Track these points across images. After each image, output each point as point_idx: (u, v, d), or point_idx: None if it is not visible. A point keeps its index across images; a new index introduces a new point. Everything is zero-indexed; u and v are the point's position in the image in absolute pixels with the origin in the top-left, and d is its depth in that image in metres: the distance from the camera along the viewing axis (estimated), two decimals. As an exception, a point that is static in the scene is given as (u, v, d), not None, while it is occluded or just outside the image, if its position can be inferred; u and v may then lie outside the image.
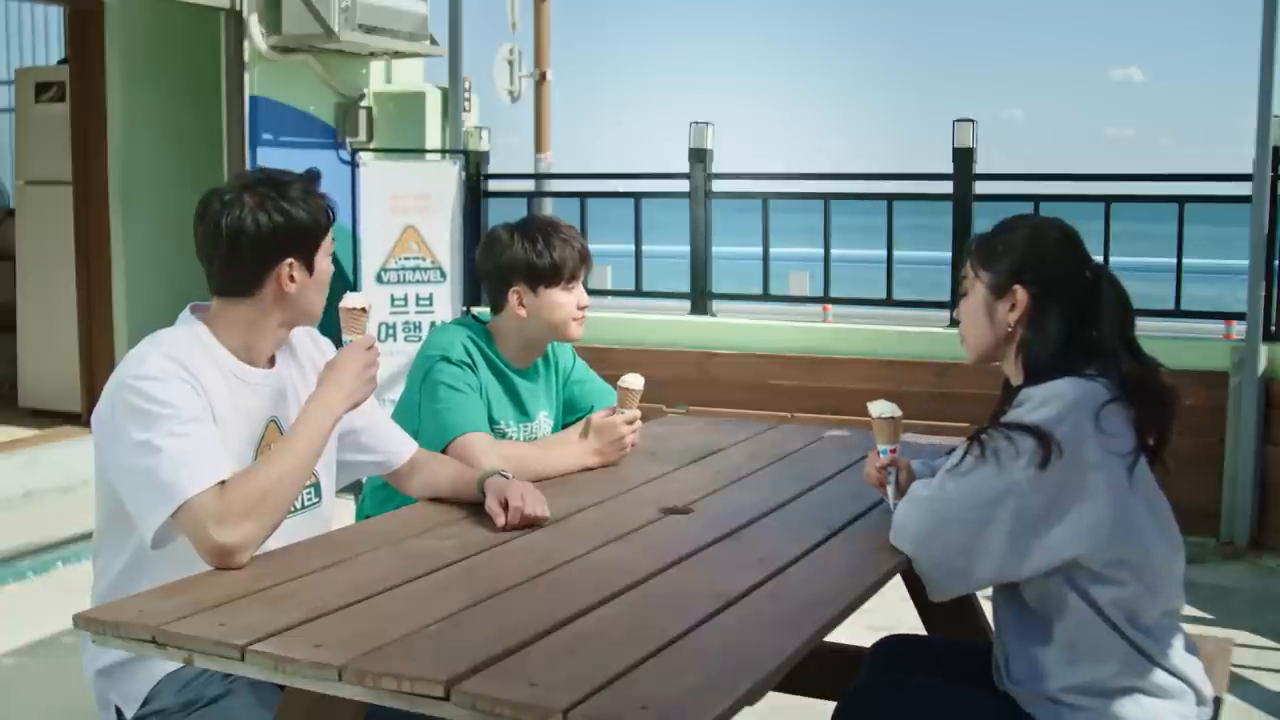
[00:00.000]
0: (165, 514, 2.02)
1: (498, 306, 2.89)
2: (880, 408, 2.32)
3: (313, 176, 2.29)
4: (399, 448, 2.54)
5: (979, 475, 2.04)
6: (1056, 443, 1.99)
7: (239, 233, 2.18)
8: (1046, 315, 2.14)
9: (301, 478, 2.17)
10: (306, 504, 2.34)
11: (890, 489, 2.30)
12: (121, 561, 2.20)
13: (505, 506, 2.31)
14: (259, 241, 2.19)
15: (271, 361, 2.32)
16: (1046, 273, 2.16)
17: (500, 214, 6.76)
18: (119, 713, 2.22)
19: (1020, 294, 2.16)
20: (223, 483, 2.05)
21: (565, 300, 2.85)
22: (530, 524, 2.30)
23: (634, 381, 2.82)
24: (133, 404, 2.08)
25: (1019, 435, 2.01)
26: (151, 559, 2.12)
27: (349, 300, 2.35)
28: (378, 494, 2.76)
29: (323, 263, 2.29)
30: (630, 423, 2.82)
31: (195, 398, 2.12)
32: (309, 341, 2.44)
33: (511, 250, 2.84)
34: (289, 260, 2.22)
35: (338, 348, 2.37)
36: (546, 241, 2.83)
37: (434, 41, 6.77)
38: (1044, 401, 2.04)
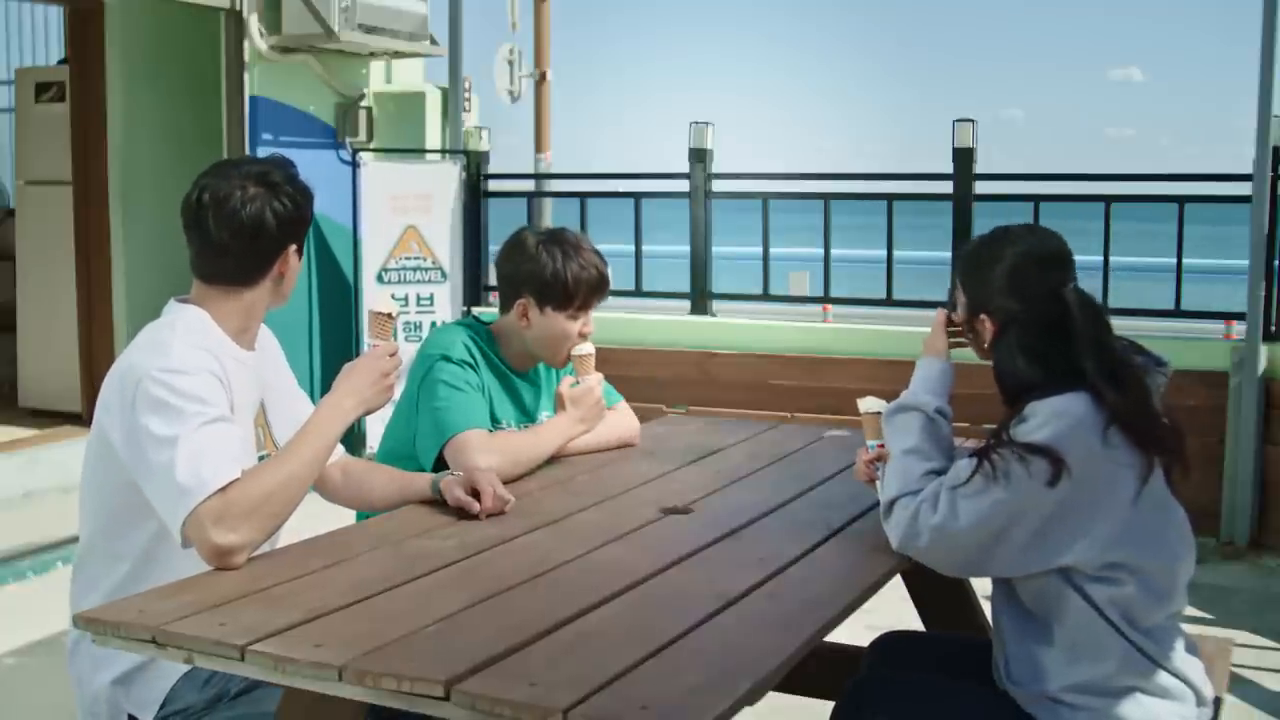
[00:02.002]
0: (185, 515, 2.00)
1: (505, 309, 2.88)
2: (868, 403, 2.34)
3: (288, 162, 2.32)
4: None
5: (991, 499, 2.02)
6: (1064, 459, 1.98)
7: (261, 224, 2.21)
8: (1006, 340, 2.16)
9: (306, 480, 2.16)
10: None
11: (880, 484, 2.31)
12: (124, 568, 2.17)
13: (473, 494, 2.34)
14: (275, 231, 2.23)
15: (253, 343, 2.34)
16: (1000, 302, 2.18)
17: (500, 214, 6.76)
18: None
19: (987, 323, 2.20)
20: (231, 483, 2.03)
21: (567, 327, 2.81)
22: (501, 508, 2.34)
23: (586, 348, 2.85)
24: (157, 396, 2.06)
25: (1029, 456, 2.00)
26: (159, 567, 2.11)
27: (378, 304, 2.37)
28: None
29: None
30: (597, 385, 2.87)
31: (221, 391, 2.13)
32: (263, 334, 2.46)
33: (531, 262, 2.80)
34: (293, 246, 2.28)
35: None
36: (566, 263, 2.78)
37: (434, 41, 6.76)
38: (1050, 419, 2.03)
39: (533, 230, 2.90)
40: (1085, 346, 2.10)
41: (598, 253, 2.86)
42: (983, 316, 2.20)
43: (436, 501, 2.45)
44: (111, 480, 2.15)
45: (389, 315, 2.35)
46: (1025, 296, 2.16)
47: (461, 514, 2.36)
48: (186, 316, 2.23)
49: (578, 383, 2.85)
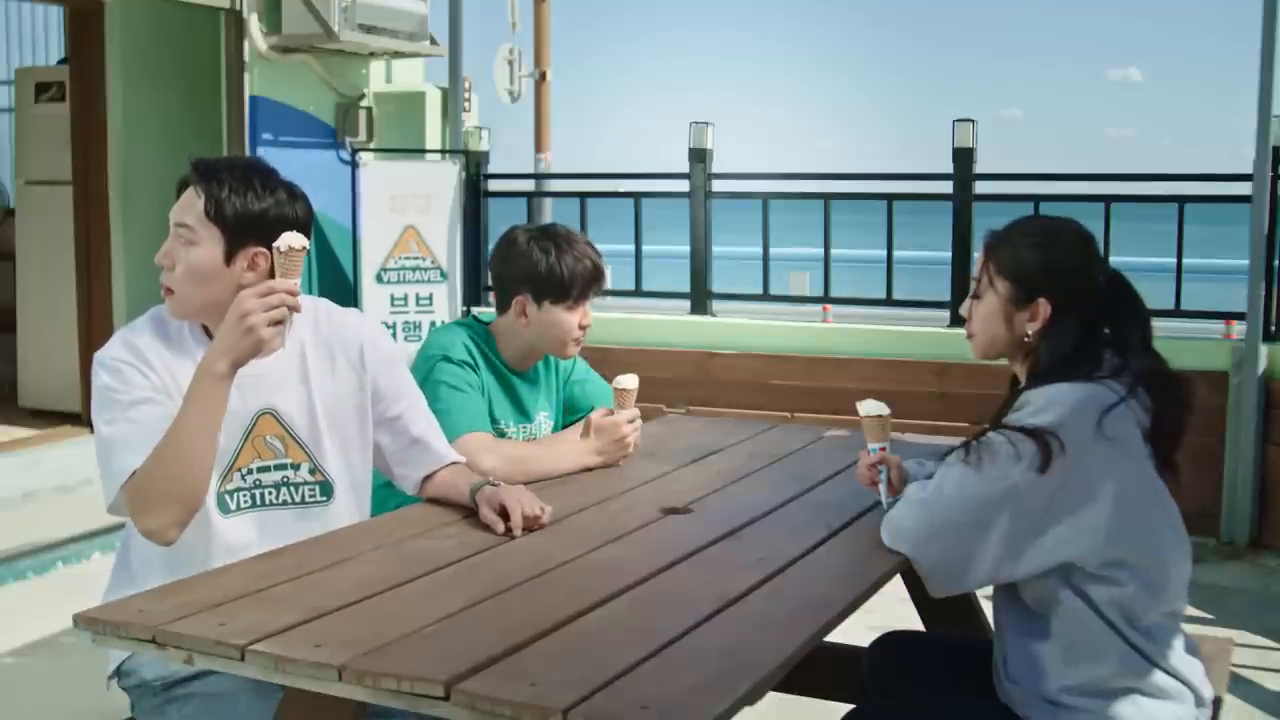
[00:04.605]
0: (109, 495, 2.12)
1: (503, 309, 2.88)
2: (869, 406, 2.33)
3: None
4: (426, 470, 2.45)
5: (977, 478, 2.04)
6: (1057, 446, 1.99)
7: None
8: (1065, 324, 2.14)
9: (195, 453, 2.07)
10: (309, 500, 2.30)
11: (882, 486, 2.31)
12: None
13: (503, 514, 2.26)
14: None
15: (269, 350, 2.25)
16: (1067, 283, 2.15)
17: (500, 214, 6.76)
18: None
19: (1043, 306, 2.15)
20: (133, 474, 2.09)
21: (567, 319, 2.82)
22: (531, 526, 2.27)
23: (629, 381, 2.81)
24: (94, 384, 2.17)
25: (1019, 439, 2.01)
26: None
27: (280, 240, 2.10)
28: (378, 494, 2.75)
29: None
30: (630, 422, 2.82)
31: (141, 380, 2.15)
32: (349, 329, 2.36)
33: (524, 259, 2.81)
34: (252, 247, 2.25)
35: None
36: (560, 257, 2.79)
37: (434, 41, 6.76)
38: (1045, 406, 2.04)
39: (523, 228, 2.91)
40: (1130, 324, 2.14)
41: (590, 244, 2.87)
42: (1039, 300, 2.15)
43: (436, 501, 2.45)
44: None
45: (278, 249, 2.09)
46: (1078, 277, 2.16)
47: (462, 514, 2.36)
48: (160, 317, 2.26)
49: (620, 411, 2.81)
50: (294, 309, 2.11)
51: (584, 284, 2.82)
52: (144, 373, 2.15)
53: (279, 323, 2.09)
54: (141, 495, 2.07)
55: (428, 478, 2.46)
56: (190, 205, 2.22)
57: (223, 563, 2.12)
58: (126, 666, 2.20)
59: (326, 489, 2.32)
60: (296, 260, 2.10)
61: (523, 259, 2.81)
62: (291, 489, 2.28)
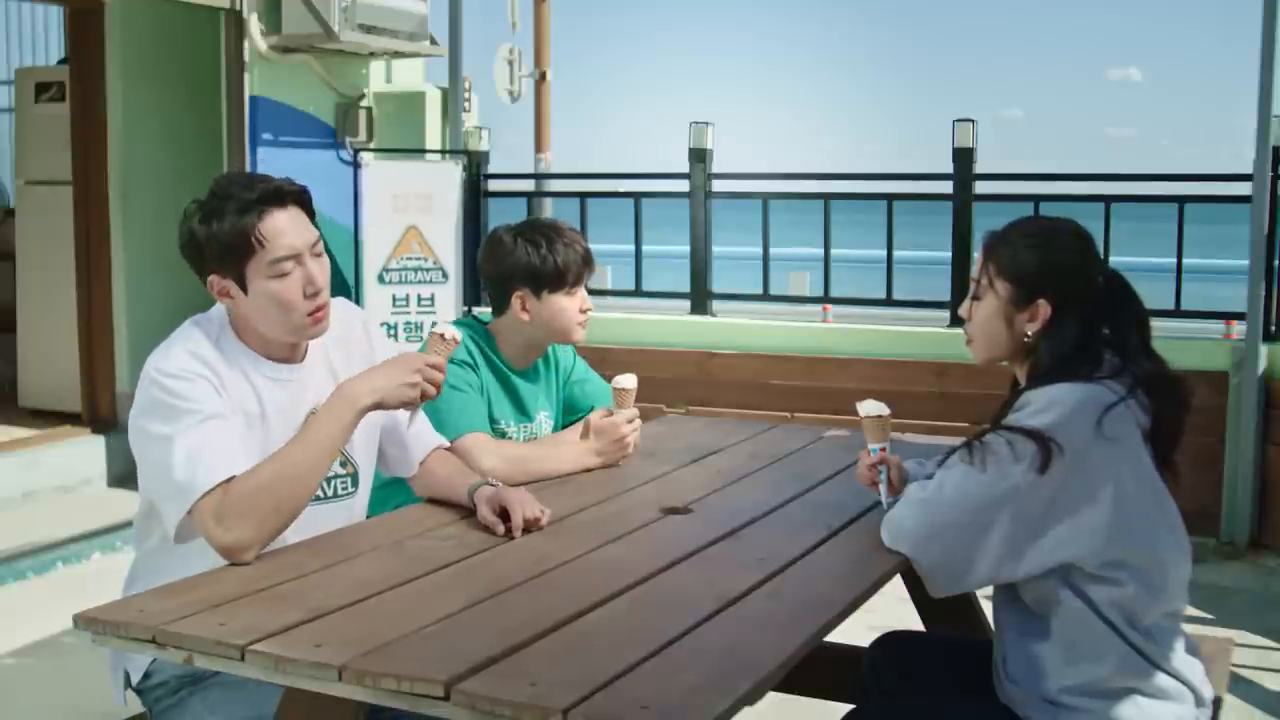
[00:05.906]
0: (182, 512, 2.05)
1: (500, 309, 2.89)
2: (869, 407, 2.33)
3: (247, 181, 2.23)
4: (420, 455, 2.49)
5: (978, 479, 2.04)
6: (1057, 447, 1.99)
7: (184, 242, 2.20)
8: (1065, 325, 2.14)
9: (311, 471, 2.12)
10: (340, 493, 2.33)
11: (882, 487, 2.31)
12: (153, 541, 2.21)
13: (502, 515, 2.27)
14: (191, 252, 2.20)
15: (303, 354, 2.29)
16: (1066, 284, 2.15)
17: (501, 214, 6.76)
18: (127, 678, 2.23)
19: (1043, 307, 2.15)
20: (230, 480, 2.04)
21: (568, 305, 2.85)
22: (530, 528, 2.27)
23: (628, 381, 2.82)
24: (155, 397, 2.09)
25: (1019, 439, 2.01)
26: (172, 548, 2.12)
27: (445, 328, 2.37)
28: (378, 494, 2.75)
29: (258, 283, 2.17)
30: (629, 422, 2.82)
31: (215, 395, 2.12)
32: (350, 318, 2.41)
33: (514, 254, 2.84)
34: (212, 275, 2.20)
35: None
36: (550, 246, 2.83)
37: (434, 41, 6.76)
38: (1045, 406, 2.04)
39: (504, 228, 2.94)
40: (1130, 323, 2.14)
41: (574, 229, 2.92)
42: (1039, 301, 2.15)
43: (436, 501, 2.45)
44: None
45: (441, 336, 2.33)
46: (1078, 277, 2.16)
47: (462, 514, 2.36)
48: (209, 325, 2.23)
49: (619, 411, 2.82)
50: (438, 389, 2.26)
51: (578, 267, 2.86)
52: (217, 389, 2.13)
53: (424, 396, 2.24)
54: (240, 506, 2.02)
55: (424, 464, 2.48)
56: (303, 223, 2.20)
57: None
58: (152, 668, 2.18)
59: (355, 479, 2.37)
60: (450, 349, 2.33)
61: (514, 256, 2.84)
62: (325, 482, 2.30)
